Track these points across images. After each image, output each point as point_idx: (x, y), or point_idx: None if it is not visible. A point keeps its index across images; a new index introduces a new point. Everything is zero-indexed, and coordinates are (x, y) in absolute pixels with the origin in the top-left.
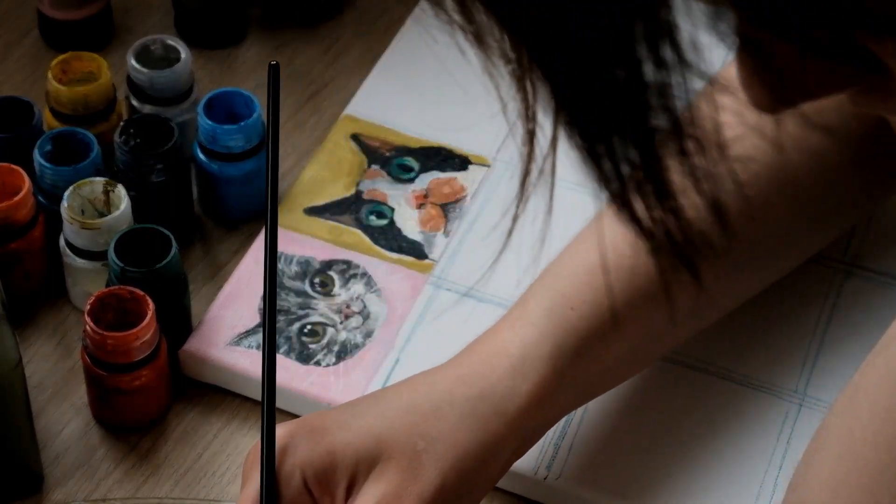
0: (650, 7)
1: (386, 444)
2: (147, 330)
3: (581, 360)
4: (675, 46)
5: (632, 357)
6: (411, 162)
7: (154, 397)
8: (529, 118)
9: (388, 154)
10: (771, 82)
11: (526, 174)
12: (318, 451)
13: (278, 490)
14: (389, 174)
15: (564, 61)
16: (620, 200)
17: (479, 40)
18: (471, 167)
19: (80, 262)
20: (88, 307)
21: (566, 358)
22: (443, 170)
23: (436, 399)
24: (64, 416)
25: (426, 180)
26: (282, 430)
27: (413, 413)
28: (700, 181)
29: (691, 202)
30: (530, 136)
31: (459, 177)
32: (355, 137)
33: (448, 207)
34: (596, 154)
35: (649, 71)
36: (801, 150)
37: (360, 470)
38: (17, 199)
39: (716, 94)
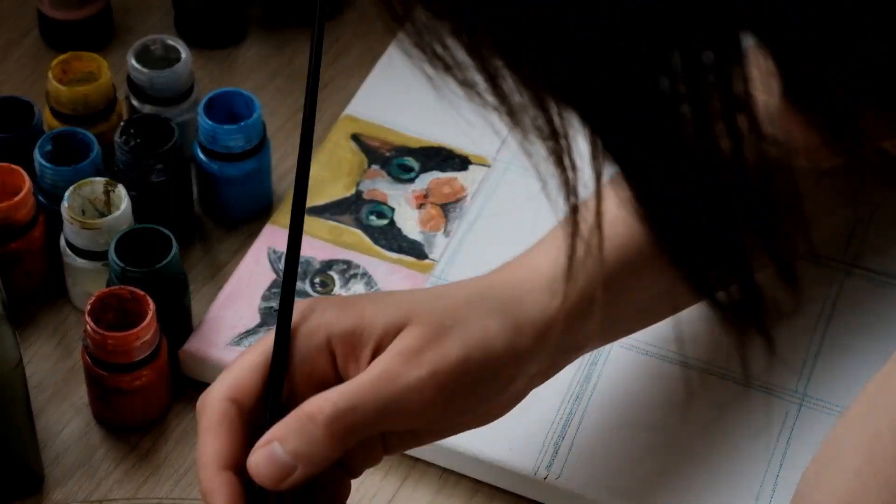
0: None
1: (415, 314)
2: (147, 330)
3: (611, 290)
4: (753, 120)
5: (663, 299)
6: (411, 162)
7: (154, 397)
8: (571, 193)
9: (388, 154)
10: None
11: (572, 252)
12: (346, 315)
13: (292, 348)
14: (389, 174)
15: (642, 147)
16: (695, 275)
17: (513, 119)
18: (471, 167)
19: (80, 262)
20: (89, 307)
21: (596, 285)
22: (443, 170)
23: (468, 294)
24: (64, 416)
25: (426, 180)
26: (305, 301)
27: (445, 299)
28: (773, 247)
29: (762, 268)
30: (574, 212)
31: (459, 177)
32: (355, 137)
33: (448, 207)
34: (671, 238)
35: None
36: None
37: (387, 334)
38: (17, 199)
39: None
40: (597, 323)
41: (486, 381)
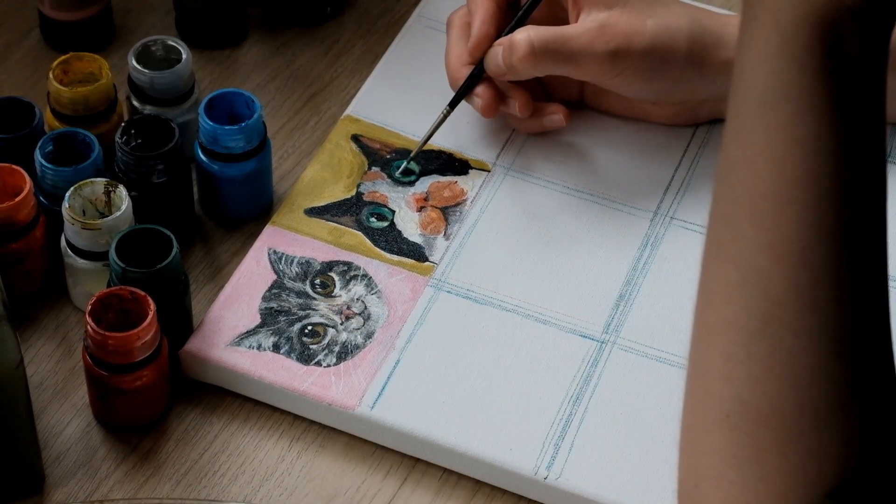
0: None
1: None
2: (148, 330)
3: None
4: None
5: None
6: (412, 165)
7: (155, 398)
8: None
9: (388, 156)
10: None
11: None
12: None
13: None
14: (390, 176)
15: None
16: None
17: None
18: (471, 171)
19: (81, 262)
20: (89, 307)
21: None
22: (443, 173)
23: (686, 12)
24: (65, 416)
25: (426, 183)
26: None
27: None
28: None
29: None
30: None
31: (460, 181)
32: (356, 138)
33: (448, 211)
34: None
35: None
36: None
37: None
38: (18, 199)
39: None
40: None
41: (659, 71)
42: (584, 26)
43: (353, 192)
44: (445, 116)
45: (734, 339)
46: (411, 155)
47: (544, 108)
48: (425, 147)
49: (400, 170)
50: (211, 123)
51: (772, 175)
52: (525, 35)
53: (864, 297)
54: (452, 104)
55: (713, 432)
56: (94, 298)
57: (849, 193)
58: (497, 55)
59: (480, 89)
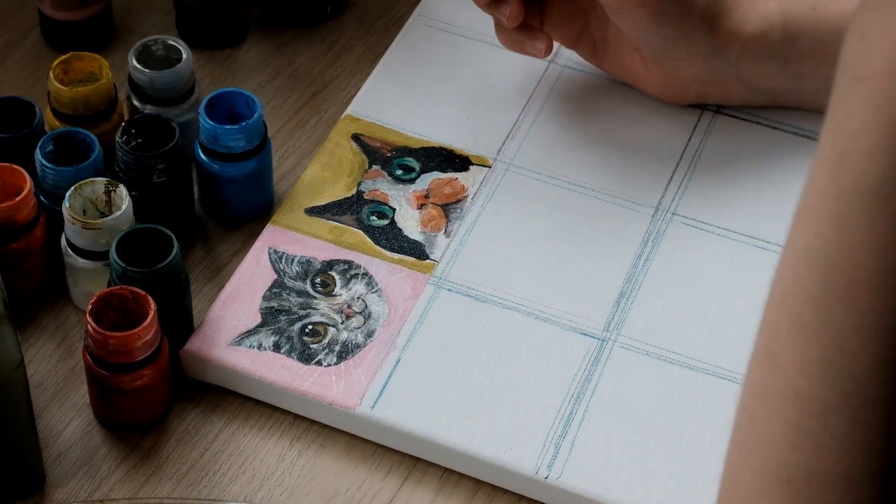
0: None
1: None
2: (148, 330)
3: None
4: None
5: None
6: (412, 162)
7: (155, 397)
8: None
9: (388, 154)
10: None
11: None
12: None
13: None
14: (390, 174)
15: None
16: None
17: None
18: (472, 168)
19: (81, 262)
20: (90, 307)
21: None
22: (444, 170)
23: None
24: (65, 415)
25: (427, 181)
26: None
27: None
28: None
29: None
30: None
31: (460, 177)
32: (356, 137)
33: (449, 208)
34: None
35: None
36: None
37: None
38: (18, 199)
39: None
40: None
41: (676, 17)
42: None
43: (354, 191)
44: None
45: (808, 412)
46: None
47: (533, 33)
48: (425, 144)
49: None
50: (211, 123)
51: (875, 264)
52: None
53: None
54: None
55: (771, 493)
56: (95, 298)
57: None
58: None
59: None
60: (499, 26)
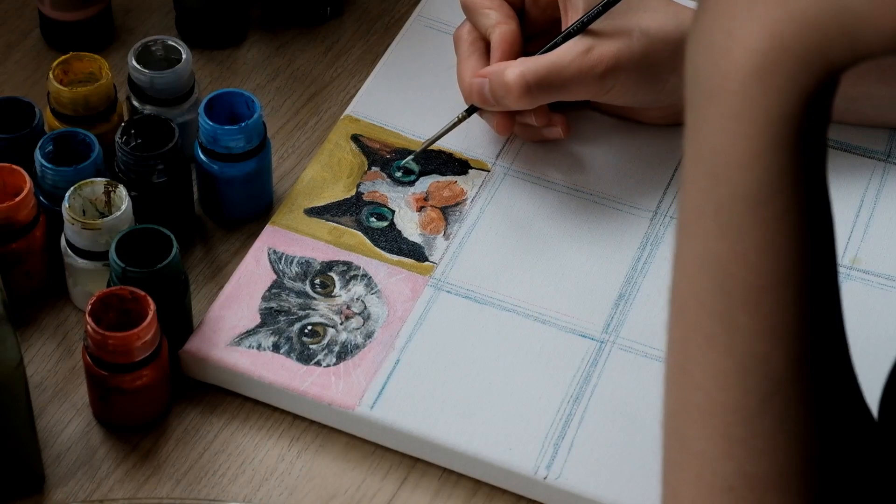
0: None
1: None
2: (148, 330)
3: None
4: None
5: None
6: (411, 165)
7: (155, 397)
8: None
9: (388, 156)
10: None
11: None
12: None
13: None
14: (390, 176)
15: None
16: None
17: None
18: (471, 171)
19: (81, 262)
20: (89, 307)
21: None
22: (443, 173)
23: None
24: (65, 416)
25: (426, 183)
26: None
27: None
28: None
29: None
30: None
31: (460, 180)
32: (356, 138)
33: (448, 211)
34: None
35: None
36: None
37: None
38: (18, 199)
39: None
40: None
41: (655, 67)
42: (572, 51)
43: (353, 192)
44: (459, 121)
45: (733, 420)
46: (416, 152)
47: (546, 119)
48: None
49: (401, 164)
50: (211, 123)
51: (768, 266)
52: (518, 72)
53: (847, 353)
54: (469, 112)
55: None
56: (95, 298)
57: (835, 263)
58: (483, 88)
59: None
60: (518, 126)
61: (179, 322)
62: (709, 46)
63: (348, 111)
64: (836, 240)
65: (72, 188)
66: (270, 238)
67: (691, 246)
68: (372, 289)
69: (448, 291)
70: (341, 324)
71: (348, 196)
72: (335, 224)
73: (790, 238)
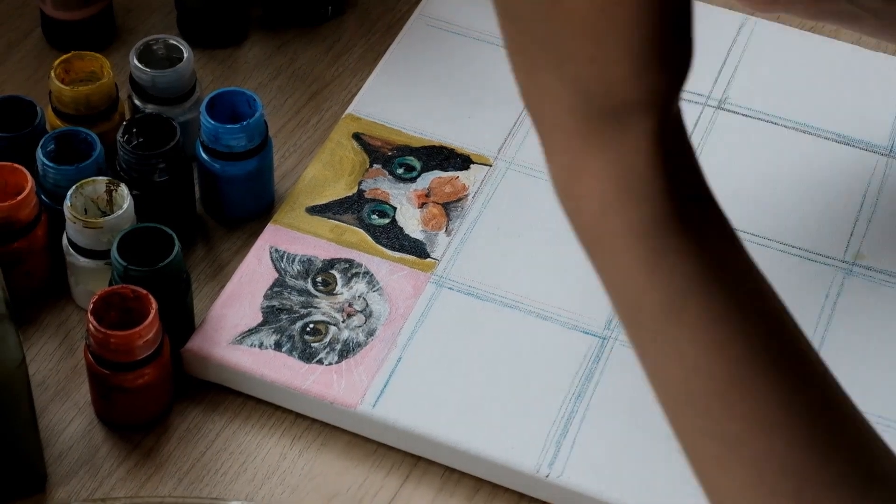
0: None
1: None
2: (150, 329)
3: None
4: None
5: None
6: (413, 161)
7: (157, 396)
8: None
9: (389, 153)
10: None
11: None
12: None
13: None
14: (391, 173)
15: None
16: None
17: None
18: (472, 166)
19: (82, 261)
20: (91, 306)
21: None
22: (444, 169)
23: None
24: (67, 414)
25: (428, 179)
26: None
27: None
28: None
29: None
30: None
31: (461, 176)
32: (357, 137)
33: (450, 206)
34: None
35: None
36: None
37: None
38: (19, 198)
39: None
40: None
41: None
42: None
43: (355, 190)
44: None
45: None
46: None
47: None
48: (426, 143)
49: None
50: (212, 122)
51: (717, 367)
52: None
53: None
54: None
55: None
56: (96, 297)
57: (794, 323)
58: None
59: None
60: None
61: (181, 321)
62: (564, 194)
63: (350, 110)
64: (778, 298)
65: (73, 187)
66: (272, 236)
67: (655, 372)
68: (374, 286)
69: (450, 288)
70: (343, 322)
71: (350, 194)
72: (337, 222)
73: (732, 324)
